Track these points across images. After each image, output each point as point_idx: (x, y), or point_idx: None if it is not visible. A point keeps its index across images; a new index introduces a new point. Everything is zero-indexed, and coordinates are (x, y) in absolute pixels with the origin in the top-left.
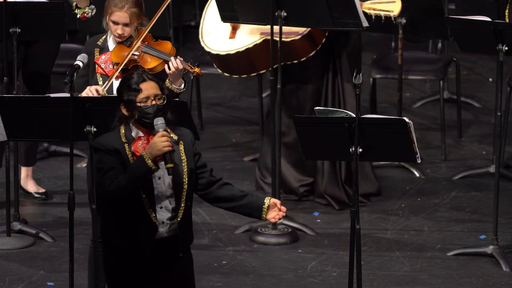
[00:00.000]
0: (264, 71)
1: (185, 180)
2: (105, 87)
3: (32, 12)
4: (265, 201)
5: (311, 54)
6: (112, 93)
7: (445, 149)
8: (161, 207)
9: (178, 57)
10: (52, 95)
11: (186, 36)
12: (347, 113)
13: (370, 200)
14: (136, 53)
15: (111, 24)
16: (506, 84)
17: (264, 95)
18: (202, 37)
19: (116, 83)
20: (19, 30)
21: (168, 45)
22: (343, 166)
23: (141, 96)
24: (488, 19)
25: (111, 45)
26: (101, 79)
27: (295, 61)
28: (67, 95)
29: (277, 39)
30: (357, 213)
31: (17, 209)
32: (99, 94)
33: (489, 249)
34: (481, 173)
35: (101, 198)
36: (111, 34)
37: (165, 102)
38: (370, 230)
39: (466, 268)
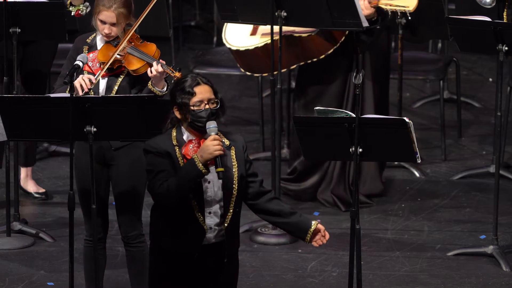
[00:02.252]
0: (285, 69)
1: (235, 185)
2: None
3: (32, 12)
4: (312, 224)
5: (329, 52)
6: (98, 93)
7: (445, 149)
8: (209, 212)
9: (161, 60)
10: (52, 95)
11: (186, 36)
12: (347, 113)
13: (373, 201)
14: (122, 53)
15: (98, 23)
16: (506, 84)
17: (264, 95)
18: (224, 34)
19: (102, 82)
20: (19, 30)
21: (152, 48)
22: (352, 168)
23: (194, 99)
24: (488, 19)
25: (99, 43)
26: None
27: (314, 59)
28: (67, 95)
29: (297, 35)
30: (357, 213)
31: (17, 209)
32: (91, 82)
33: (489, 249)
34: (481, 173)
35: (155, 201)
36: (100, 33)
37: (218, 106)
38: (370, 230)
39: (466, 268)
